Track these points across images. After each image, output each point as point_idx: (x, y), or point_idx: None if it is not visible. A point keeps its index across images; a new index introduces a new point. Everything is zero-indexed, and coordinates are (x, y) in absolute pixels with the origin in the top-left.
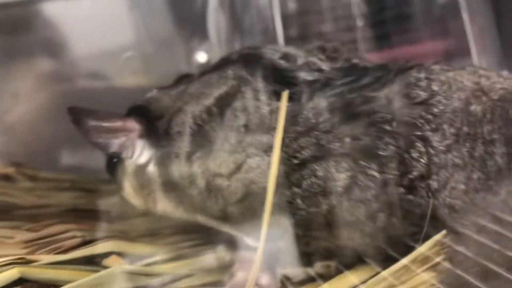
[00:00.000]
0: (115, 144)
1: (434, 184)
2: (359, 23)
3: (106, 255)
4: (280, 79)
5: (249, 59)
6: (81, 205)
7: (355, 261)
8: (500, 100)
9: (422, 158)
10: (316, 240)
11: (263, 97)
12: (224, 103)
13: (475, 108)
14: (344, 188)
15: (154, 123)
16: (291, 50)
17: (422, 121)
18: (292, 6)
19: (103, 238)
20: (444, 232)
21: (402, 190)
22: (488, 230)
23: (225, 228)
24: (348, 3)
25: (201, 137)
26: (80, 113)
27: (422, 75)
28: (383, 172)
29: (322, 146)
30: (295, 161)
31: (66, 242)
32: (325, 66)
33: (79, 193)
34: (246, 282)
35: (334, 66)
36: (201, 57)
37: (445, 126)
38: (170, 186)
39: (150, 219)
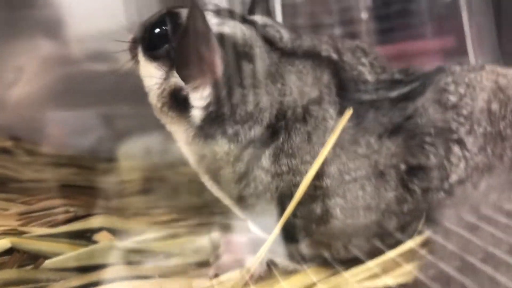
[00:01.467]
0: (190, 69)
1: (469, 185)
2: (364, 16)
3: (97, 230)
4: (345, 94)
5: (335, 67)
6: (77, 181)
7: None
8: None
9: (461, 162)
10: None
11: (332, 111)
12: (309, 108)
13: (495, 106)
14: (386, 204)
15: (234, 81)
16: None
17: (456, 124)
18: None
19: (95, 214)
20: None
21: (442, 194)
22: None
23: (233, 209)
24: None
25: (272, 131)
26: (200, 15)
27: (450, 79)
28: (424, 183)
29: (371, 165)
30: (347, 177)
31: (59, 216)
32: (370, 77)
33: (76, 170)
34: (231, 264)
35: (378, 78)
36: None
37: (476, 127)
38: (201, 142)
39: (147, 198)
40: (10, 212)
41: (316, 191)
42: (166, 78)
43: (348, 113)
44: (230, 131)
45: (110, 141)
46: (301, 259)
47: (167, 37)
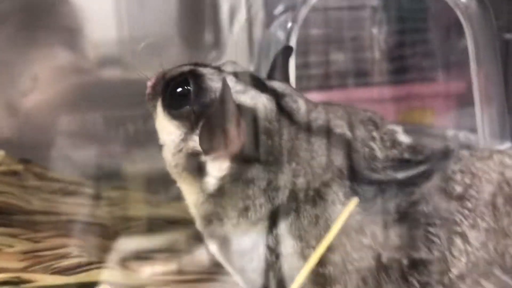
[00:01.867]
0: (210, 140)
1: (468, 281)
2: (377, 56)
3: (99, 283)
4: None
5: (348, 147)
6: (82, 216)
7: None
8: None
9: (462, 257)
10: None
11: (341, 194)
12: (320, 190)
13: (500, 200)
14: None
15: (251, 156)
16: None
17: (460, 216)
18: (313, 32)
19: (97, 263)
20: None
21: None
22: None
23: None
24: (370, 36)
25: (283, 211)
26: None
27: (457, 167)
28: (423, 278)
29: (374, 257)
30: (350, 267)
31: (63, 261)
32: (379, 153)
33: (82, 200)
34: None
35: (387, 155)
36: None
37: (479, 221)
38: (212, 207)
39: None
40: (14, 249)
41: (318, 278)
42: (185, 140)
43: (353, 202)
44: (241, 205)
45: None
46: None
47: (189, 99)
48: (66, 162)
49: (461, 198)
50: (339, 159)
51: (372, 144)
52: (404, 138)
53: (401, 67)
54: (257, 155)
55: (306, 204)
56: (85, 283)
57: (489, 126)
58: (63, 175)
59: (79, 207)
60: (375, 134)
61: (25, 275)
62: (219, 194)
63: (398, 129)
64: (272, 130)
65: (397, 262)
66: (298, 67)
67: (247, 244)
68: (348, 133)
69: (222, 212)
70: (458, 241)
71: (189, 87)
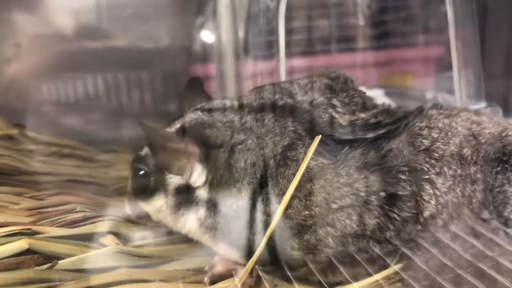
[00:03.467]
0: (176, 165)
1: (439, 221)
2: (361, 22)
3: (104, 234)
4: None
5: (298, 114)
6: (80, 176)
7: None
8: (485, 144)
9: (432, 200)
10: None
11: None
12: (287, 154)
13: (466, 151)
14: (371, 231)
15: (214, 150)
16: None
17: (427, 166)
18: None
19: (101, 216)
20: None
21: (419, 227)
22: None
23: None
24: (353, 1)
25: (265, 180)
26: (151, 130)
27: (424, 123)
28: (403, 214)
29: (354, 195)
30: (334, 206)
31: (68, 215)
32: (343, 120)
33: (78, 162)
34: (224, 273)
35: (352, 120)
36: (207, 36)
37: (445, 169)
38: (213, 213)
39: None
40: (20, 207)
41: (308, 220)
42: (167, 195)
43: (317, 138)
44: (234, 190)
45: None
46: (290, 280)
47: (148, 177)
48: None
49: (428, 150)
50: (290, 124)
51: (331, 111)
52: (380, 101)
53: (383, 33)
54: (217, 148)
55: (279, 168)
56: (91, 233)
57: (465, 88)
58: (55, 139)
59: (75, 168)
60: (334, 101)
61: (36, 227)
62: (213, 194)
63: (379, 92)
64: (218, 127)
65: (376, 195)
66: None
67: (247, 219)
68: (289, 101)
69: (222, 207)
70: (427, 186)
71: (141, 170)
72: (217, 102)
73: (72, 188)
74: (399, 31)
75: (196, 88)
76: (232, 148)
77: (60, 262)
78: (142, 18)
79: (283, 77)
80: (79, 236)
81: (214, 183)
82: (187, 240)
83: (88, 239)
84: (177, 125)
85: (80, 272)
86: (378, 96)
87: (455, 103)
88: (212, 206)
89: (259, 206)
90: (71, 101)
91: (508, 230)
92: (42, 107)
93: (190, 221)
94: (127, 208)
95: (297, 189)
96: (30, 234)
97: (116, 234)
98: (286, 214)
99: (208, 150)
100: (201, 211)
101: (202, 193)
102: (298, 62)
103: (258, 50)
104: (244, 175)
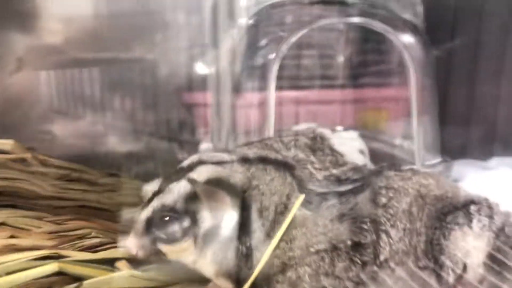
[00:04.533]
0: (216, 211)
1: (392, 264)
2: (340, 60)
3: (119, 258)
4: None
5: (290, 168)
6: (90, 202)
7: None
8: (430, 204)
9: (386, 247)
10: None
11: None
12: (287, 203)
13: (414, 209)
14: (338, 271)
15: (240, 196)
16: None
17: (384, 219)
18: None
19: (114, 243)
20: None
21: (375, 268)
22: None
23: None
24: (335, 42)
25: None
26: (206, 189)
27: (383, 184)
28: (364, 258)
29: (328, 242)
30: (312, 250)
31: (85, 241)
32: (320, 175)
33: (85, 186)
34: None
35: (326, 175)
36: (200, 68)
37: (398, 223)
38: (228, 248)
39: None
40: (42, 230)
41: (291, 261)
42: (197, 237)
43: (300, 197)
44: (247, 238)
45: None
46: None
47: (178, 223)
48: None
49: (385, 206)
50: (288, 178)
51: (310, 167)
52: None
53: (359, 73)
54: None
55: (280, 215)
56: (109, 258)
57: (423, 135)
58: (63, 163)
59: (85, 193)
60: (312, 158)
61: (63, 251)
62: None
63: (354, 134)
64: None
65: (343, 243)
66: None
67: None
68: (290, 161)
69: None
70: (383, 235)
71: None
72: (218, 156)
73: (84, 214)
74: (374, 72)
75: None
76: (251, 193)
77: (85, 283)
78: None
79: (272, 108)
80: (99, 260)
81: (239, 222)
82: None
83: (106, 263)
84: (201, 177)
85: None
86: (353, 138)
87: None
88: (228, 243)
89: (261, 246)
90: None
91: (443, 274)
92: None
93: (205, 257)
94: (134, 247)
95: (285, 234)
96: (57, 257)
97: (128, 260)
98: (274, 254)
99: (235, 198)
100: (217, 247)
101: (225, 233)
102: (286, 94)
103: (252, 82)
104: (258, 217)
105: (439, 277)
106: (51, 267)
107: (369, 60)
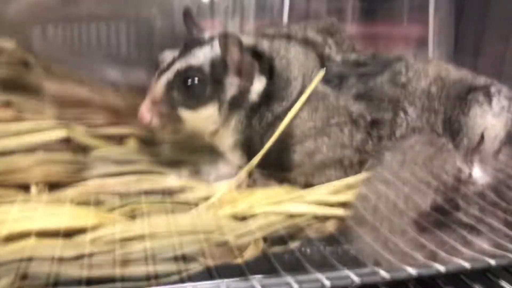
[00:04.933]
0: (242, 78)
1: (407, 142)
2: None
3: (127, 136)
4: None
5: (312, 45)
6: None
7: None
8: (449, 85)
9: (403, 123)
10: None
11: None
12: (311, 75)
13: (434, 88)
14: (356, 142)
15: (268, 63)
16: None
17: (402, 97)
18: None
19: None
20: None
21: (390, 143)
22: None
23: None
24: None
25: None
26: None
27: (403, 65)
28: (381, 132)
29: (348, 115)
30: (332, 121)
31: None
32: (338, 57)
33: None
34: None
35: (345, 58)
36: None
37: (416, 101)
38: (254, 114)
39: None
40: (47, 113)
41: (310, 130)
42: (222, 103)
43: (321, 72)
44: (280, 95)
45: None
46: (277, 181)
47: (205, 87)
48: None
49: (404, 85)
50: (312, 55)
51: (327, 49)
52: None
53: (370, 9)
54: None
55: (305, 87)
56: (117, 134)
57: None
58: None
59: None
60: (329, 41)
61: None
62: (262, 101)
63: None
64: (270, 52)
65: (363, 118)
66: None
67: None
68: (312, 38)
69: (266, 113)
70: (400, 113)
71: (194, 79)
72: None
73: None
74: (385, 8)
75: (190, 19)
76: (280, 62)
77: (93, 152)
78: None
79: None
80: (107, 135)
81: (266, 90)
82: None
83: (113, 138)
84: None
85: (110, 161)
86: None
87: None
88: (255, 109)
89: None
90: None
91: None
92: None
93: (229, 125)
94: (149, 114)
95: (308, 103)
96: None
97: (137, 137)
98: (294, 124)
99: (264, 63)
100: (242, 115)
101: (254, 98)
102: None
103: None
104: (288, 85)
105: (456, 147)
106: (60, 132)
107: None
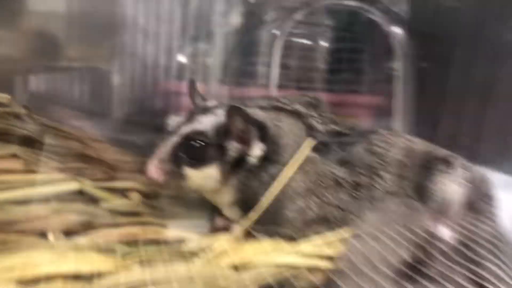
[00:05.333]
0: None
1: (382, 202)
2: (321, 66)
3: (129, 190)
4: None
5: (300, 116)
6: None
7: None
8: (417, 156)
9: (380, 188)
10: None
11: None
12: (299, 143)
13: (404, 158)
14: (339, 202)
15: (265, 131)
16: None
17: (378, 165)
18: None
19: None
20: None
21: (369, 204)
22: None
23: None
24: (316, 49)
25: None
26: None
27: (378, 137)
28: (361, 194)
29: (334, 179)
30: (321, 183)
31: (97, 173)
32: (321, 128)
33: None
34: (223, 227)
35: (327, 129)
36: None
37: (390, 168)
38: (251, 177)
39: None
40: (51, 166)
41: (301, 190)
42: (223, 164)
43: (310, 140)
44: (274, 160)
45: None
46: (269, 235)
47: (207, 149)
48: None
49: (379, 154)
50: (300, 125)
51: (312, 120)
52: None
53: (337, 79)
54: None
55: (295, 153)
56: (121, 188)
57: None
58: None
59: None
60: (313, 113)
61: (80, 179)
62: (261, 164)
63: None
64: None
65: (346, 181)
66: None
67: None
68: (300, 110)
69: (262, 175)
70: (377, 179)
71: (199, 142)
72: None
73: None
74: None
75: (193, 89)
76: (275, 130)
77: (103, 204)
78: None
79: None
80: (111, 188)
81: (264, 155)
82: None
83: (116, 191)
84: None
85: (118, 213)
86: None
87: None
88: (254, 172)
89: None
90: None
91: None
92: None
93: (229, 185)
94: (157, 172)
95: (300, 169)
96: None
97: (139, 191)
98: (287, 184)
99: (263, 131)
100: (243, 176)
101: (253, 162)
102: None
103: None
104: (282, 151)
105: (425, 208)
106: (74, 185)
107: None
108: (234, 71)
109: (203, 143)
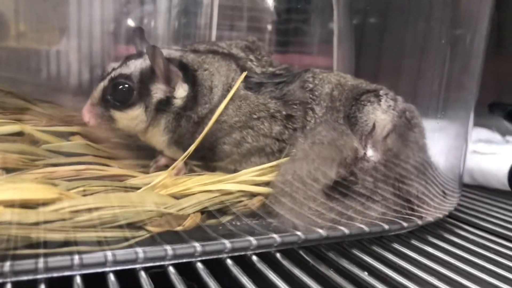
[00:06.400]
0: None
1: (313, 133)
2: (269, 27)
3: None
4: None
5: (235, 58)
6: None
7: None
8: (348, 89)
9: (312, 120)
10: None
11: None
12: (231, 83)
13: (335, 92)
14: (275, 133)
15: (191, 73)
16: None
17: (311, 100)
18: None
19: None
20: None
21: (301, 134)
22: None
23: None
24: (263, 8)
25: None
26: (159, 55)
27: (310, 75)
28: (294, 125)
29: (267, 111)
30: (254, 116)
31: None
32: (258, 70)
33: None
34: (165, 165)
35: (263, 71)
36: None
37: (322, 102)
38: (180, 118)
39: None
40: None
41: (237, 124)
42: (148, 105)
43: (243, 74)
44: (201, 101)
45: None
46: (210, 170)
47: (132, 91)
48: None
49: (311, 90)
50: (233, 65)
51: (249, 63)
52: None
53: (285, 41)
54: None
55: (225, 92)
56: (65, 131)
57: None
58: None
59: None
60: (251, 56)
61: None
62: (186, 105)
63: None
64: (192, 60)
65: (279, 113)
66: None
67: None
68: (234, 52)
69: (190, 117)
70: (309, 112)
71: (123, 85)
72: (177, 47)
73: None
74: (297, 41)
75: (140, 36)
76: (203, 73)
77: (44, 145)
78: None
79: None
80: (56, 133)
81: (189, 96)
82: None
83: (61, 135)
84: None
85: (58, 153)
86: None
87: None
88: (181, 112)
89: (210, 116)
90: None
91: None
92: None
93: (159, 126)
94: (87, 115)
95: (232, 103)
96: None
97: (82, 134)
98: (222, 119)
99: (188, 73)
100: (171, 117)
101: (178, 102)
102: None
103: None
104: (209, 92)
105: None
106: (14, 127)
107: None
108: (176, 34)
109: (127, 86)
